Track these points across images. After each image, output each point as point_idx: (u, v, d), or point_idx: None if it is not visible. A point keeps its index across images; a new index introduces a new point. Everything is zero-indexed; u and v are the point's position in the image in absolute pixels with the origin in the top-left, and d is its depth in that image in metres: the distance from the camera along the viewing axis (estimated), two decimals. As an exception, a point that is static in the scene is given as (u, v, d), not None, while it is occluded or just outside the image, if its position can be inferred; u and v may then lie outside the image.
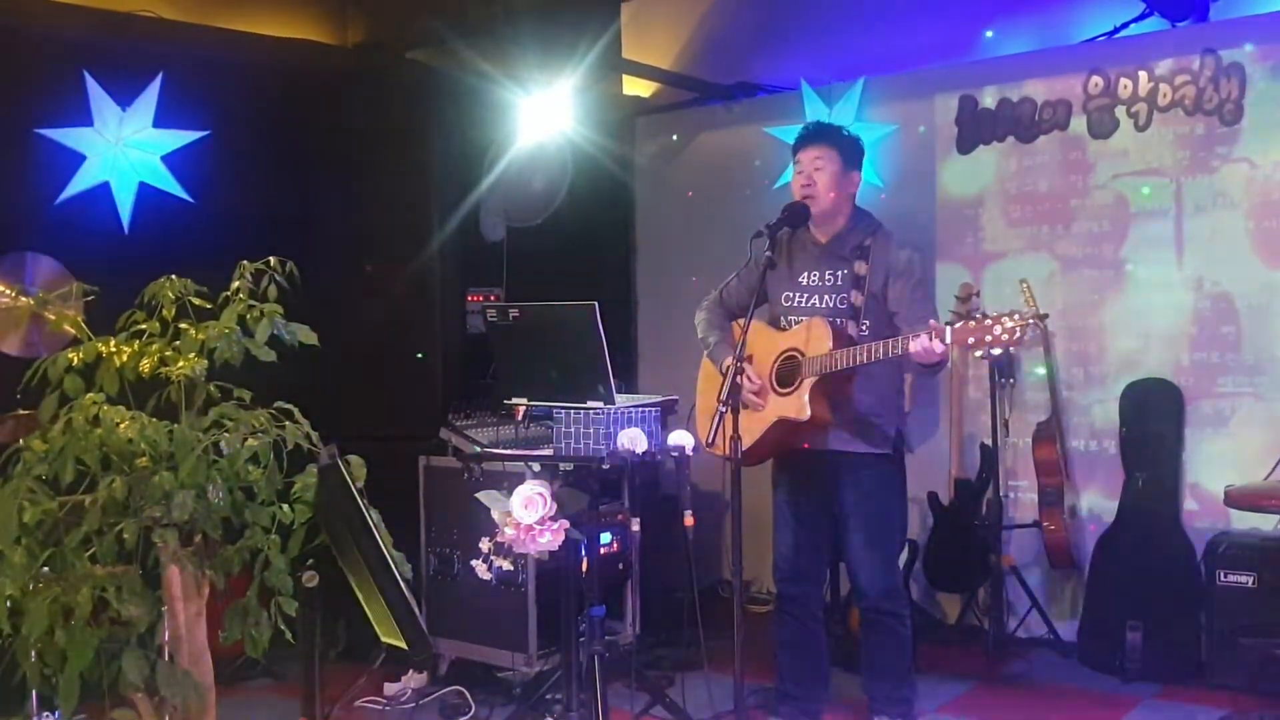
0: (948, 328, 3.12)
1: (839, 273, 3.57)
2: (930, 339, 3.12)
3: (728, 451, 3.14)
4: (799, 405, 3.37)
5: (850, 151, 3.64)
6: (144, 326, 2.69)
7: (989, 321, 3.05)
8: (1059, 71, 4.86)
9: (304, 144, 5.08)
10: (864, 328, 3.45)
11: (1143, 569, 4.42)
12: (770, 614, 4.34)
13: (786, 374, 3.47)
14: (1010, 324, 3.02)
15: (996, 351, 3.11)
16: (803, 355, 3.43)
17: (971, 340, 3.08)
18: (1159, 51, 4.64)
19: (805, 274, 3.63)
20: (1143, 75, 4.67)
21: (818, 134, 3.67)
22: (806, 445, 3.56)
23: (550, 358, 3.36)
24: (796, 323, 3.57)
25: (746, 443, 3.45)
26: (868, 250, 3.54)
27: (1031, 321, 3.04)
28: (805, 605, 3.73)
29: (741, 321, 3.62)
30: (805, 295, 3.61)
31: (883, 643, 3.64)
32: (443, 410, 4.49)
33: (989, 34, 5.13)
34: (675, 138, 5.98)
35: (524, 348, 3.44)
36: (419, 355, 4.81)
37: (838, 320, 3.47)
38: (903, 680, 3.69)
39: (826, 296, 3.57)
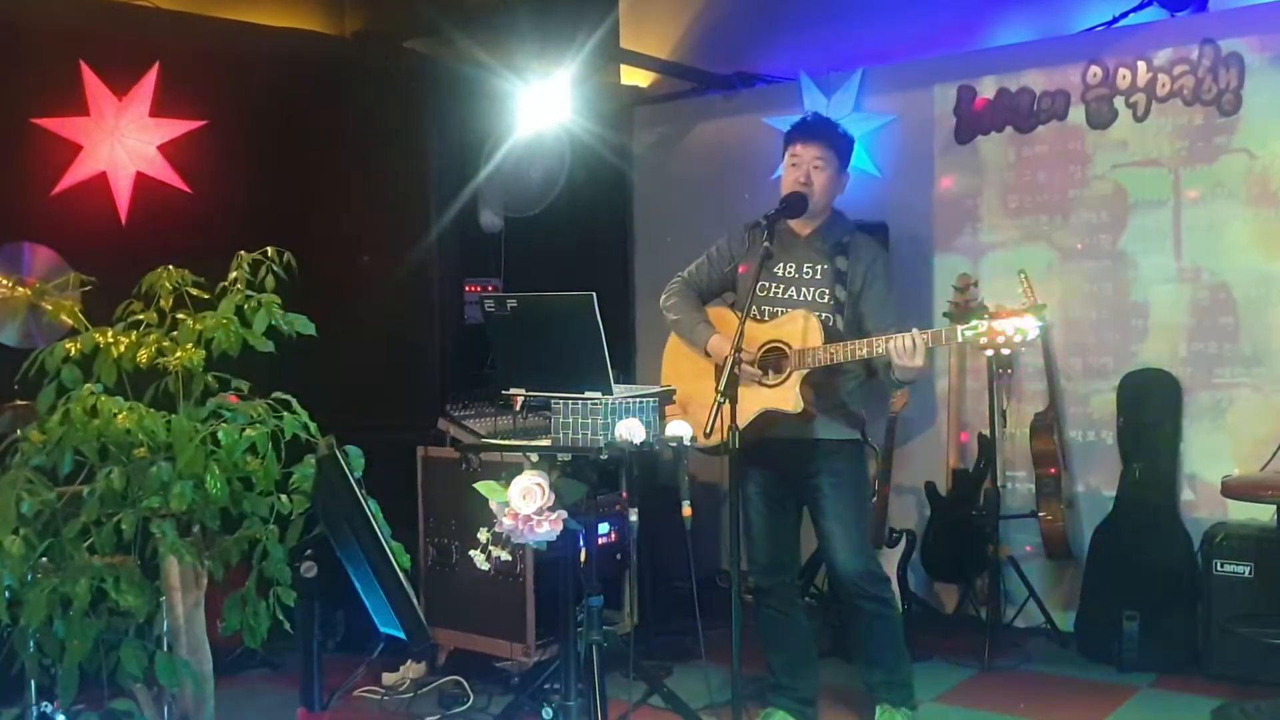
0: (938, 331, 3.22)
1: (818, 267, 3.58)
2: (912, 344, 3.20)
3: (725, 441, 3.15)
4: (789, 398, 3.39)
5: (846, 154, 3.66)
6: (141, 317, 2.69)
7: (997, 326, 3.12)
8: (1057, 62, 4.85)
9: (301, 134, 5.07)
10: (845, 325, 3.50)
11: (1140, 559, 4.43)
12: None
13: (771, 366, 3.48)
14: (1019, 324, 3.09)
15: (1006, 352, 3.16)
16: (789, 348, 3.44)
17: (983, 341, 3.15)
18: (1158, 41, 4.64)
19: (780, 265, 3.62)
20: (1141, 65, 4.67)
21: (820, 132, 3.64)
22: (783, 434, 3.55)
23: (548, 348, 3.35)
24: (773, 313, 3.56)
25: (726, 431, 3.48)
26: (847, 247, 3.58)
27: (1032, 318, 3.09)
28: (783, 595, 3.73)
29: (724, 309, 3.69)
30: (782, 286, 3.61)
31: (870, 629, 3.64)
32: (441, 401, 4.49)
33: (990, 25, 5.12)
34: (672, 128, 5.97)
35: (522, 338, 3.42)
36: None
37: (823, 315, 3.49)
38: (898, 664, 3.68)
39: (805, 289, 3.57)
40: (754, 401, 3.46)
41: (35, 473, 2.50)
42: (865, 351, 3.30)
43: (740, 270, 3.66)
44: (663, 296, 3.80)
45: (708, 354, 3.62)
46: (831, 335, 3.43)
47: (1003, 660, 4.50)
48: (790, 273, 3.61)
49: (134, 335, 2.66)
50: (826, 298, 3.53)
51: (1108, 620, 4.41)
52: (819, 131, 3.64)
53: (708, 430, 3.19)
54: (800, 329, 3.44)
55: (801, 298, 3.56)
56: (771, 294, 3.62)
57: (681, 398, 3.41)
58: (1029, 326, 3.09)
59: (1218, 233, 4.53)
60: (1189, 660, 4.28)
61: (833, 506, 3.59)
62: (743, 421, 3.46)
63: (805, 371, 3.39)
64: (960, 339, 3.18)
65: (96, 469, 2.52)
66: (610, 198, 5.87)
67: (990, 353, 3.20)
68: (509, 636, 4.17)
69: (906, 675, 3.71)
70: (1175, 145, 4.61)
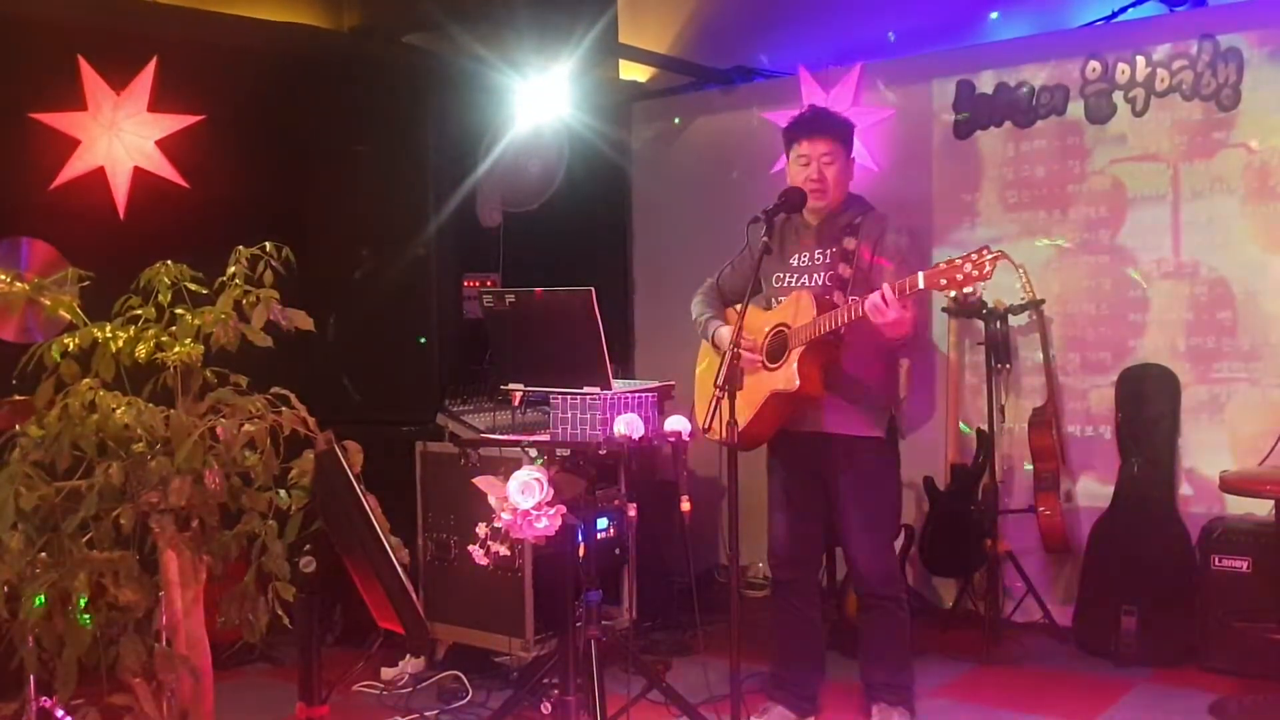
0: (902, 281, 3.17)
1: (829, 251, 3.58)
2: (882, 300, 3.16)
3: (724, 437, 3.15)
4: (787, 376, 3.38)
5: (850, 140, 3.66)
6: (140, 312, 2.69)
7: (958, 260, 3.09)
8: (1057, 56, 4.85)
9: (300, 129, 5.06)
10: (851, 301, 3.45)
11: (1138, 554, 4.43)
12: (766, 599, 4.35)
13: (776, 349, 3.48)
14: (978, 258, 3.06)
15: (968, 290, 3.13)
16: (789, 328, 3.44)
17: (943, 281, 3.11)
18: (1157, 36, 4.63)
19: (796, 255, 3.64)
20: (1140, 60, 4.66)
21: (825, 126, 3.62)
22: (803, 428, 3.55)
23: (547, 343, 3.36)
24: (782, 301, 3.57)
25: (742, 423, 3.46)
26: (858, 227, 3.55)
27: (998, 253, 3.07)
28: (800, 590, 3.74)
29: (738, 307, 3.64)
30: (795, 275, 3.62)
31: (881, 628, 3.65)
32: (440, 396, 4.49)
33: (994, 15, 5.11)
34: (677, 120, 5.97)
35: (521, 333, 3.43)
36: (420, 339, 4.78)
37: (825, 294, 3.48)
38: (902, 667, 3.69)
39: (816, 275, 3.58)
40: (761, 387, 3.47)
41: (34, 468, 2.50)
42: (846, 316, 3.27)
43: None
44: (693, 301, 3.84)
45: (716, 346, 3.63)
46: (827, 308, 3.38)
47: (1001, 655, 4.50)
48: (804, 261, 3.62)
49: (132, 330, 2.66)
50: (834, 279, 3.52)
51: (1106, 615, 4.42)
52: (823, 126, 3.62)
53: (706, 425, 3.19)
54: (795, 308, 3.44)
55: (813, 283, 3.56)
56: (786, 283, 3.63)
57: (707, 396, 3.38)
58: (986, 259, 3.06)
59: (1216, 227, 4.53)
60: (1187, 654, 4.29)
61: (853, 507, 3.59)
62: (753, 408, 3.47)
63: (802, 348, 3.36)
64: (921, 284, 3.14)
65: (95, 464, 2.52)
66: (609, 192, 5.86)
67: (953, 293, 3.16)
68: (508, 631, 4.17)
69: (908, 679, 3.72)
70: (1174, 140, 4.61)
